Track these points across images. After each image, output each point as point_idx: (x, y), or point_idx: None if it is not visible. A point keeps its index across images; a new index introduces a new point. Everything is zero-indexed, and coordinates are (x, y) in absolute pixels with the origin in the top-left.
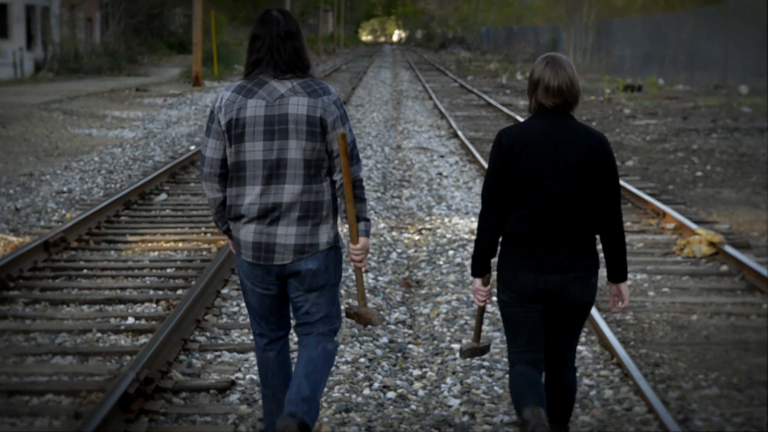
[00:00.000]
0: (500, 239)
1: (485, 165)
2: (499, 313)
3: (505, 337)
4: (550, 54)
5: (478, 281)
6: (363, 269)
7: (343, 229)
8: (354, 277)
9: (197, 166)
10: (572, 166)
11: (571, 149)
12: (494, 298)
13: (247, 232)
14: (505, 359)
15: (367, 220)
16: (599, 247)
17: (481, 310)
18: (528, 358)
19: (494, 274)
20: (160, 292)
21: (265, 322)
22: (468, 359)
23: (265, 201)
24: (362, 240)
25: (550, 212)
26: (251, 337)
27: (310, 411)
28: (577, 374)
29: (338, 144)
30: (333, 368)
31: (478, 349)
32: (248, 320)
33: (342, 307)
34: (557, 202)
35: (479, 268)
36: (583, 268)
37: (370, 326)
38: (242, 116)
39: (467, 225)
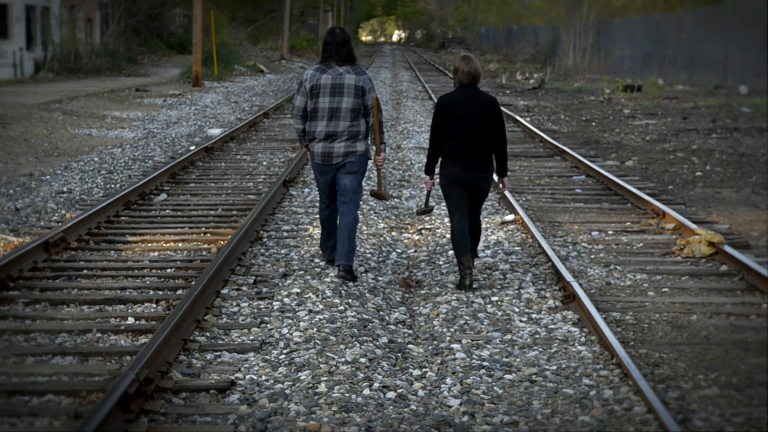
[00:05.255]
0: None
1: None
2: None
3: (501, 337)
4: (465, 54)
5: (427, 177)
6: (381, 168)
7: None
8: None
9: (196, 166)
10: (480, 115)
11: (479, 105)
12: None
13: (318, 146)
14: (505, 359)
15: (384, 143)
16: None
17: (429, 191)
18: (459, 214)
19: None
20: (160, 292)
21: (326, 196)
22: (419, 216)
23: (328, 129)
24: (383, 154)
25: (469, 139)
26: (251, 337)
27: (351, 257)
28: (576, 373)
29: (372, 102)
30: (333, 368)
31: (426, 210)
32: (248, 320)
33: (367, 191)
34: (473, 134)
35: (430, 171)
36: (485, 170)
37: (384, 200)
38: (319, 83)
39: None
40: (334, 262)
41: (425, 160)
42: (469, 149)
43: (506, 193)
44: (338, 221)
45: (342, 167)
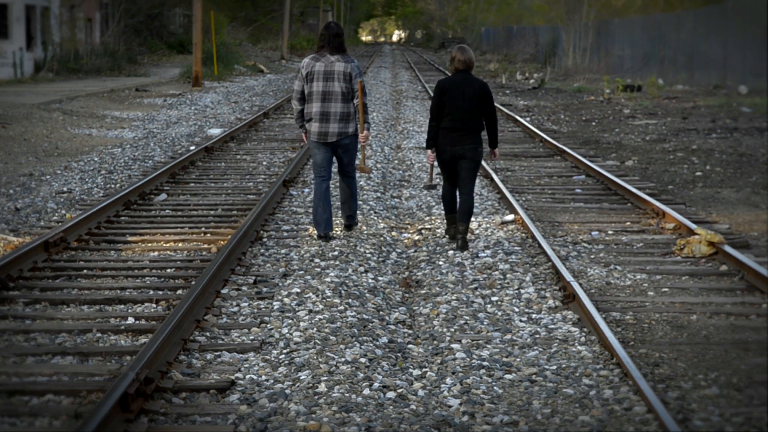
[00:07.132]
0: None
1: (485, 166)
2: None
3: (501, 337)
4: (460, 44)
5: (429, 151)
6: (366, 145)
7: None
8: (362, 155)
9: (196, 166)
10: (472, 96)
11: (471, 88)
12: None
13: (315, 125)
14: (505, 359)
15: (368, 123)
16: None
17: (432, 164)
18: (449, 183)
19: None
20: (160, 292)
21: (323, 169)
22: (427, 190)
23: (322, 110)
24: (365, 132)
25: (462, 116)
26: (251, 336)
27: (355, 217)
28: (575, 373)
29: (358, 86)
30: (333, 368)
31: (431, 185)
32: (248, 320)
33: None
34: (465, 112)
35: (431, 145)
36: (474, 142)
37: (366, 174)
38: (314, 70)
39: None
40: (344, 219)
41: (425, 149)
42: (461, 125)
43: (493, 173)
44: (341, 191)
45: (339, 147)
